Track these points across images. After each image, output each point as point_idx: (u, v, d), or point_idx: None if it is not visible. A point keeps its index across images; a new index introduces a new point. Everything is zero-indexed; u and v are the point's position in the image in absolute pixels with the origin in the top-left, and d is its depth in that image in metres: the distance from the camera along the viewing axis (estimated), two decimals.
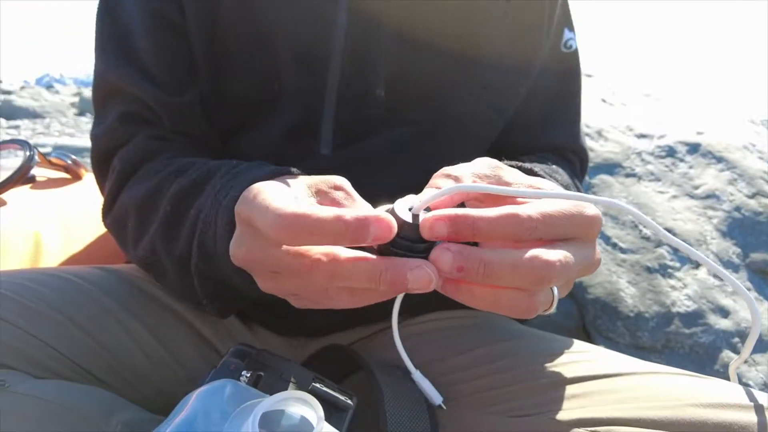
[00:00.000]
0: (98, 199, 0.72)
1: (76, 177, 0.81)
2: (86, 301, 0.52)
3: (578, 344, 0.54)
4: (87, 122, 3.51)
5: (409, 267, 0.29)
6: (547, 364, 0.48)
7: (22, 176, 0.72)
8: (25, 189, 0.75)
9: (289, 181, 0.37)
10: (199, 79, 0.56)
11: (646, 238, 0.79)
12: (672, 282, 0.73)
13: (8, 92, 4.14)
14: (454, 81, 0.56)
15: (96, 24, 0.59)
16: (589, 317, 0.76)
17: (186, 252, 0.43)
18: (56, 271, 0.55)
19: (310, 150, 0.55)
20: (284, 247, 0.31)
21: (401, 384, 0.48)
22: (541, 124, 0.65)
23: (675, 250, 0.76)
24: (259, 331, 0.60)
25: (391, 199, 0.33)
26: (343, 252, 0.30)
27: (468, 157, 0.61)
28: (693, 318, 0.69)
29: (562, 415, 0.41)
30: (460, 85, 0.56)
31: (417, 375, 0.42)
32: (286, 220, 0.30)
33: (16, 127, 3.12)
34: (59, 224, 0.71)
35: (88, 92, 4.04)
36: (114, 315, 0.52)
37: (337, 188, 0.35)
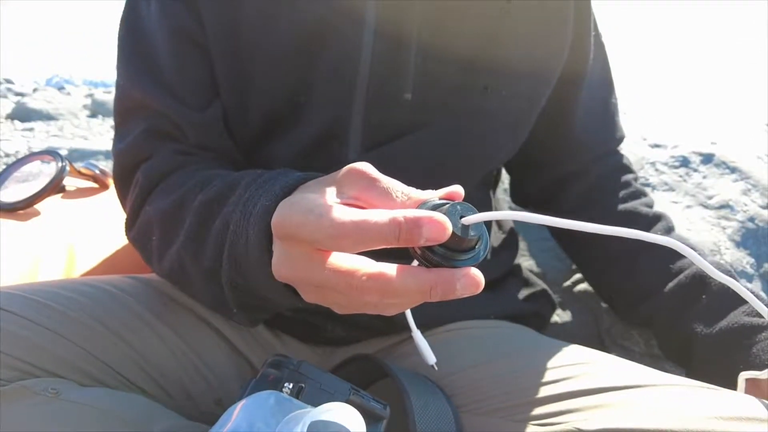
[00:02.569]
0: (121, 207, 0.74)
1: (104, 186, 0.84)
2: (122, 310, 0.54)
3: (596, 354, 0.56)
4: (99, 123, 3.55)
5: (456, 277, 0.29)
6: (568, 374, 0.50)
7: (55, 187, 0.75)
8: (56, 198, 0.77)
9: (316, 183, 0.38)
10: (221, 94, 0.58)
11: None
12: None
13: (21, 94, 4.17)
14: (476, 85, 0.57)
15: (119, 41, 0.60)
16: (604, 326, 0.77)
17: (215, 263, 0.45)
18: (93, 281, 0.57)
19: (337, 155, 0.56)
20: (330, 263, 0.32)
21: (427, 390, 0.50)
22: (602, 115, 0.70)
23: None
24: (286, 339, 0.62)
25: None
26: (390, 270, 0.31)
27: (487, 160, 0.64)
28: None
29: (585, 425, 0.43)
30: (481, 89, 0.58)
31: (416, 333, 0.43)
32: (343, 229, 0.30)
33: (31, 129, 3.14)
34: (91, 234, 0.74)
35: (99, 94, 4.06)
36: (148, 323, 0.55)
37: (361, 175, 0.34)
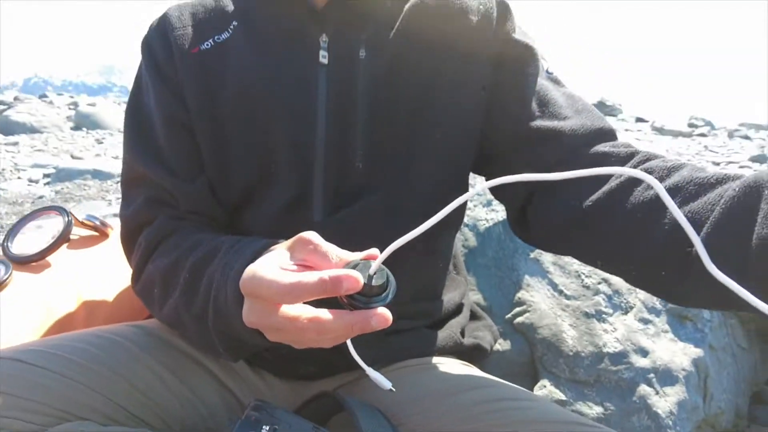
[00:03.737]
0: (121, 254, 0.87)
1: (104, 235, 0.95)
2: (127, 357, 0.66)
3: (527, 393, 0.67)
4: (83, 137, 3.61)
5: (370, 316, 0.42)
6: (506, 407, 0.61)
7: (63, 241, 0.85)
8: (63, 249, 0.88)
9: (275, 252, 0.49)
10: (206, 167, 0.70)
11: (587, 287, 0.94)
12: (605, 326, 0.88)
13: (3, 103, 4.20)
14: (414, 146, 0.69)
15: (125, 122, 0.73)
16: (537, 354, 0.91)
17: (203, 312, 0.57)
18: (101, 332, 0.69)
19: (305, 218, 0.66)
20: (281, 311, 0.44)
21: (377, 421, 0.63)
22: (576, 113, 0.66)
23: (609, 298, 0.91)
24: (266, 376, 0.74)
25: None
26: (324, 314, 0.43)
27: (429, 209, 0.74)
28: (619, 357, 0.85)
29: None
30: (419, 148, 0.69)
31: (369, 370, 0.48)
32: (285, 289, 0.42)
33: (15, 143, 3.20)
34: (96, 281, 0.85)
35: (82, 106, 4.13)
36: (148, 366, 0.67)
37: (306, 242, 0.45)
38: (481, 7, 0.68)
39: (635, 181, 0.54)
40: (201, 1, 0.74)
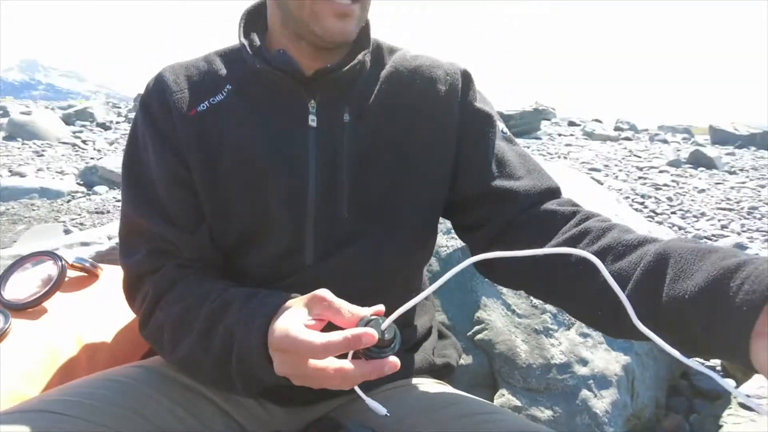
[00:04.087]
0: (116, 295, 0.93)
1: (94, 276, 1.00)
2: (138, 395, 0.74)
3: (493, 407, 0.80)
4: (18, 147, 3.44)
5: (383, 366, 0.53)
6: (479, 421, 0.73)
7: (59, 286, 0.90)
8: (57, 293, 0.93)
9: (294, 309, 0.59)
10: (207, 218, 0.78)
11: (535, 306, 1.09)
12: (551, 341, 1.03)
13: None
14: (393, 198, 0.79)
15: (124, 174, 0.79)
16: (496, 367, 1.05)
17: (223, 357, 0.65)
18: (110, 375, 0.75)
19: (298, 263, 0.74)
20: (310, 363, 0.54)
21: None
22: (528, 173, 0.77)
23: (554, 316, 1.07)
24: (266, 404, 0.83)
25: (363, 293, 0.55)
26: (347, 365, 0.53)
27: (408, 252, 0.84)
28: (564, 367, 1.00)
29: None
30: (398, 200, 0.79)
31: (368, 399, 0.56)
32: (319, 348, 0.53)
33: None
34: (93, 322, 0.90)
35: (15, 114, 3.91)
36: (159, 402, 0.74)
37: (321, 300, 0.55)
38: (447, 77, 0.80)
39: (580, 237, 0.66)
40: (192, 63, 0.81)
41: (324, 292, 0.57)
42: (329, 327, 0.56)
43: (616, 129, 11.59)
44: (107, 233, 1.57)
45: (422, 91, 0.78)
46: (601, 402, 0.98)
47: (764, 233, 3.31)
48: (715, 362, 1.45)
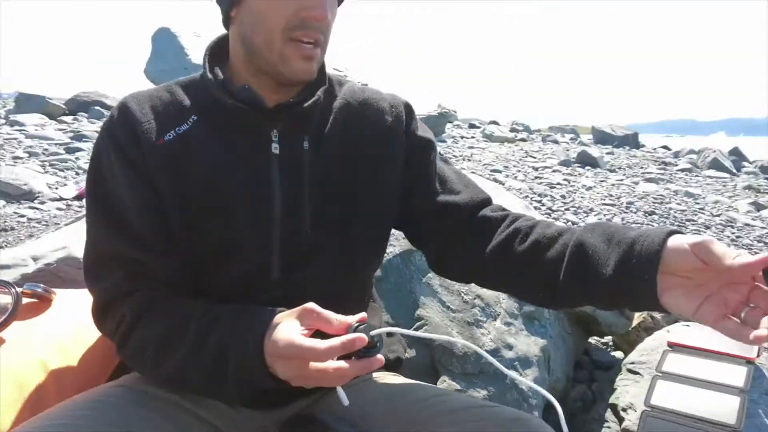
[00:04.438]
0: (74, 319, 0.96)
1: (47, 302, 1.00)
2: (120, 413, 0.77)
3: (443, 390, 0.93)
4: None
5: (372, 363, 0.64)
6: (433, 403, 0.86)
7: (15, 315, 0.90)
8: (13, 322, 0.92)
9: (287, 322, 0.66)
10: (178, 241, 0.84)
11: (466, 302, 1.25)
12: (482, 331, 1.20)
13: None
14: (351, 215, 0.85)
15: (90, 205, 0.81)
16: (436, 357, 1.19)
17: (216, 369, 0.70)
18: (88, 396, 0.76)
19: (266, 278, 0.80)
20: (311, 365, 0.63)
21: (346, 428, 0.84)
22: (465, 188, 0.90)
23: (483, 310, 1.24)
24: (241, 409, 0.90)
25: (325, 301, 0.65)
26: (343, 365, 0.64)
27: (365, 263, 0.95)
28: (494, 353, 1.17)
29: (439, 430, 0.80)
30: (355, 217, 0.85)
31: (339, 390, 0.67)
32: (323, 351, 0.63)
33: None
34: (57, 349, 0.91)
35: None
36: (144, 418, 0.79)
37: (311, 312, 0.65)
38: (392, 109, 0.92)
39: (512, 237, 0.80)
40: (155, 93, 0.85)
41: (312, 305, 0.67)
42: (315, 334, 0.66)
43: (512, 130, 12.43)
44: (31, 254, 1.50)
45: (372, 121, 0.90)
46: (526, 379, 1.16)
47: (640, 225, 3.83)
48: (607, 339, 1.72)
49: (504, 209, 0.89)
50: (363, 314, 0.68)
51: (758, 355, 1.21)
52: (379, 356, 0.65)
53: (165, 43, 6.79)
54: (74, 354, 0.93)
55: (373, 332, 0.65)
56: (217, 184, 0.80)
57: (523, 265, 0.77)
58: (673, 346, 1.27)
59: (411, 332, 0.71)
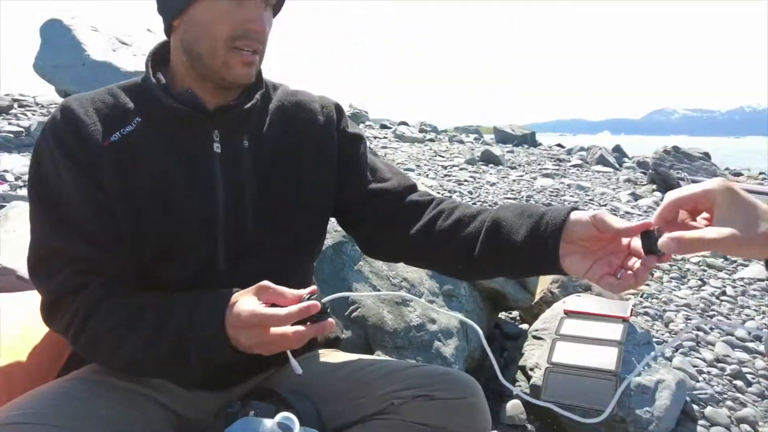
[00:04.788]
0: (17, 318, 0.98)
1: None
2: (82, 403, 0.79)
3: (378, 358, 1.05)
4: None
5: (325, 326, 0.74)
6: (371, 369, 0.97)
7: None
8: None
9: (247, 297, 0.73)
10: (126, 237, 0.88)
11: (394, 285, 1.39)
12: (409, 309, 1.35)
13: None
14: (289, 208, 0.92)
15: (34, 204, 0.82)
16: (370, 334, 1.32)
17: (177, 350, 0.74)
18: (44, 390, 0.77)
19: (213, 269, 0.86)
20: (272, 331, 0.72)
21: (302, 398, 0.93)
22: (393, 175, 0.99)
23: (409, 290, 1.38)
24: (196, 392, 0.96)
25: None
26: (301, 328, 0.73)
27: (304, 252, 1.04)
28: (420, 327, 1.32)
29: (379, 392, 0.93)
30: (293, 210, 0.92)
31: (292, 359, 0.75)
32: (285, 317, 0.72)
33: None
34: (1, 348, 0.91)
35: None
36: (102, 404, 0.81)
37: (266, 288, 0.72)
38: (324, 110, 1.02)
39: (437, 217, 0.88)
40: (97, 96, 0.89)
41: (267, 283, 0.76)
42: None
43: (421, 131, 12.88)
44: None
45: (305, 121, 0.99)
46: (448, 348, 1.33)
47: None
48: (515, 314, 1.95)
49: (429, 194, 0.97)
50: (313, 287, 0.78)
51: (631, 315, 1.47)
52: (330, 320, 0.76)
53: (57, 36, 6.29)
54: (21, 354, 0.94)
55: (324, 300, 0.76)
56: (163, 182, 0.84)
57: (445, 240, 0.87)
58: (568, 313, 1.50)
59: (358, 294, 0.82)
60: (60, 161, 0.81)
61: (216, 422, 0.81)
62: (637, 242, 0.71)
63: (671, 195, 0.64)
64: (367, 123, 13.09)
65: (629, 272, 0.71)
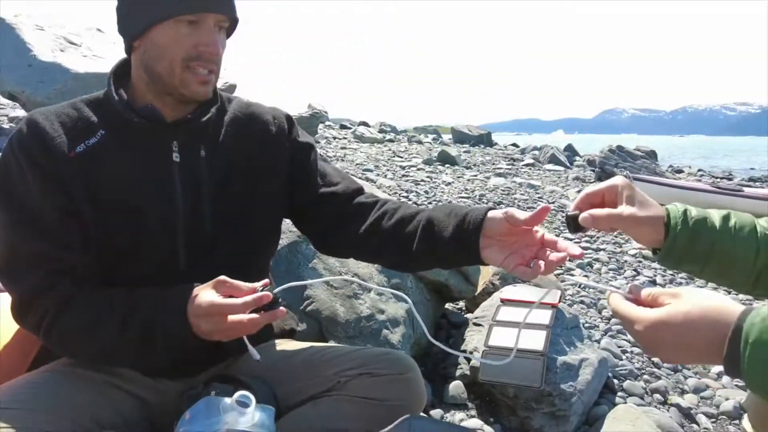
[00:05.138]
0: None
1: None
2: (54, 393, 0.88)
3: (330, 345, 1.17)
4: None
5: (276, 313, 0.85)
6: (322, 354, 1.09)
7: None
8: None
9: (206, 291, 0.82)
10: (94, 240, 0.96)
11: (347, 281, 1.51)
12: (360, 301, 1.47)
13: None
14: (245, 212, 1.04)
15: (4, 215, 0.88)
16: (324, 326, 1.44)
17: (145, 340, 0.83)
18: (16, 383, 0.86)
19: (174, 269, 0.94)
20: (229, 319, 0.83)
21: (260, 384, 1.04)
22: (342, 180, 1.09)
23: (359, 285, 1.50)
24: (161, 380, 1.05)
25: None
26: (256, 316, 0.84)
27: (258, 253, 1.15)
28: (370, 317, 1.45)
29: (327, 373, 1.05)
30: (249, 213, 1.02)
31: (249, 346, 0.85)
32: (239, 306, 0.83)
33: None
34: None
35: None
36: (74, 393, 0.90)
37: (224, 282, 0.82)
38: (276, 120, 1.13)
39: (381, 217, 0.99)
40: (61, 110, 0.96)
41: (224, 277, 0.85)
42: None
43: (381, 131, 13.01)
44: None
45: (259, 131, 1.09)
46: (395, 335, 1.46)
47: None
48: (462, 304, 2.11)
49: (375, 196, 1.08)
50: (266, 280, 0.89)
51: (559, 302, 1.64)
52: (281, 308, 0.87)
53: None
54: None
55: (276, 290, 0.88)
56: (126, 190, 0.92)
57: (389, 238, 0.98)
58: (504, 302, 1.66)
59: (307, 282, 0.94)
60: (28, 171, 0.88)
61: (180, 403, 0.91)
62: (549, 235, 0.86)
63: (585, 190, 0.81)
64: (327, 123, 13.10)
65: (540, 262, 0.84)
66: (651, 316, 0.61)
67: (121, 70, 1.03)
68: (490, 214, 0.90)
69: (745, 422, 0.84)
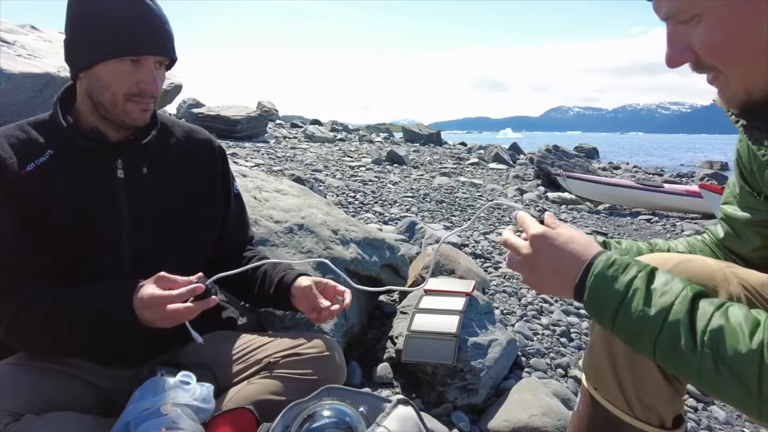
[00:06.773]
0: None
1: None
2: (14, 383, 1.03)
3: (268, 334, 1.35)
4: None
5: (209, 302, 1.05)
6: (258, 339, 1.27)
7: None
8: None
9: (148, 284, 1.05)
10: (45, 247, 1.11)
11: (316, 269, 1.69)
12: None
13: None
14: (184, 221, 1.27)
15: None
16: (263, 319, 1.60)
17: (98, 329, 1.03)
18: None
19: (120, 272, 1.14)
20: (168, 308, 1.01)
21: (202, 369, 1.20)
22: (241, 228, 1.40)
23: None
24: (113, 368, 1.20)
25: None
26: (190, 304, 1.03)
27: (195, 258, 1.33)
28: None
29: (260, 356, 1.23)
30: (188, 222, 1.27)
31: (192, 331, 1.06)
32: (175, 296, 1.02)
33: None
34: None
35: None
36: (35, 383, 1.06)
37: (163, 277, 1.03)
38: (206, 143, 1.31)
39: (255, 272, 1.33)
40: (9, 132, 1.09)
41: (163, 273, 1.04)
42: None
43: (333, 130, 13.10)
44: None
45: (195, 152, 1.27)
46: (327, 325, 1.65)
47: (431, 212, 4.66)
48: (396, 296, 2.31)
49: (252, 248, 1.45)
50: (200, 273, 1.06)
51: (473, 291, 1.87)
52: (213, 298, 1.05)
53: None
54: None
55: (207, 282, 1.04)
56: (75, 204, 1.05)
57: (242, 283, 1.34)
58: (426, 292, 1.88)
59: (235, 271, 1.12)
60: None
61: (130, 386, 1.06)
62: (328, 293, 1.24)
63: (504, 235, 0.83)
64: (278, 122, 13.06)
65: (323, 312, 1.21)
66: (536, 232, 0.70)
67: (66, 94, 1.17)
68: (297, 281, 1.26)
69: (579, 370, 0.99)
